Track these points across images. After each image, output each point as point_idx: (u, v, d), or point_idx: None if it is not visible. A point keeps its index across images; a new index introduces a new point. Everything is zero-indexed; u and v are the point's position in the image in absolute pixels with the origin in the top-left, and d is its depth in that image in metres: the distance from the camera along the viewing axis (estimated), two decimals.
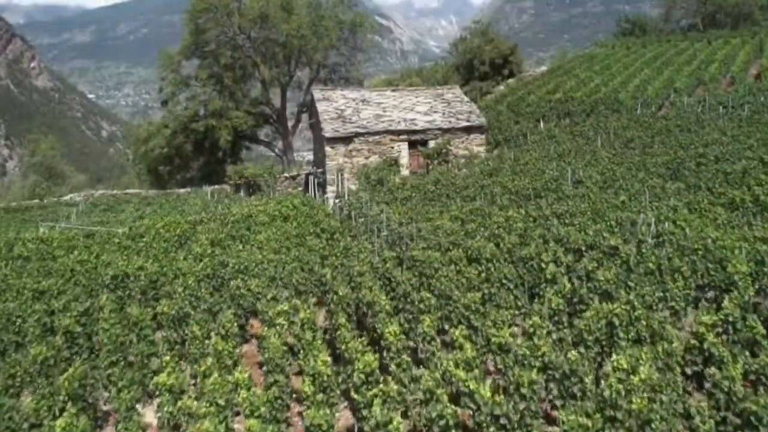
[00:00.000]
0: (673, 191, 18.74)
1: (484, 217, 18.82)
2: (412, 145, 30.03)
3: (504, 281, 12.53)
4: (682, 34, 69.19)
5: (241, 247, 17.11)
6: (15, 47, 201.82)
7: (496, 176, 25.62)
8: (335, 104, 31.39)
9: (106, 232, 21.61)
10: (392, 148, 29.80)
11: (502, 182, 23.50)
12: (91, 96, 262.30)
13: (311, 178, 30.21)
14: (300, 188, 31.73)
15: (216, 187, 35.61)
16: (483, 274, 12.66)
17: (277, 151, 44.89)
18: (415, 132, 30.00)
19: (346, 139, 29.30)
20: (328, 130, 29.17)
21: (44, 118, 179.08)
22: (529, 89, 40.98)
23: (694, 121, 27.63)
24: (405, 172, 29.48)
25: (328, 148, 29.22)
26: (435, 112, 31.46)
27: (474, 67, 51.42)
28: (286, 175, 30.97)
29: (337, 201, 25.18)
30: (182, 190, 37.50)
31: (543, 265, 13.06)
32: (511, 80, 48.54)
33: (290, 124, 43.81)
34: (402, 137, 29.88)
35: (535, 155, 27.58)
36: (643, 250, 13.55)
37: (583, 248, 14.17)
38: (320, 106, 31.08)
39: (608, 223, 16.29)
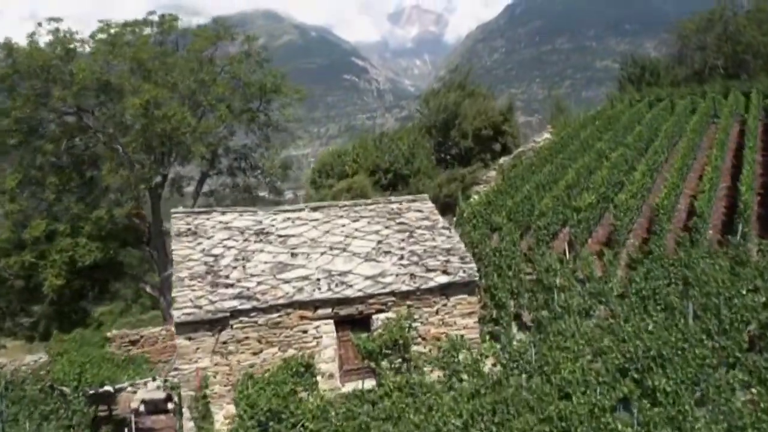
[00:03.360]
0: None
1: None
2: (341, 325, 17.23)
3: None
4: (721, 82, 59.00)
5: None
6: None
7: (511, 425, 12.93)
8: (205, 244, 18.60)
9: None
10: (305, 333, 16.98)
11: None
12: None
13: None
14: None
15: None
16: None
17: (149, 289, 31.51)
18: (347, 302, 17.21)
19: (217, 323, 16.40)
20: (182, 303, 16.30)
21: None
22: (536, 182, 28.73)
23: None
24: (331, 381, 16.62)
25: (181, 340, 16.32)
26: (386, 252, 18.78)
27: (450, 138, 39.18)
28: (131, 389, 17.90)
29: None
30: None
31: None
32: (505, 159, 36.42)
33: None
34: (324, 312, 17.07)
35: (578, 354, 15.03)
36: None
37: None
38: (178, 249, 18.31)
39: None
